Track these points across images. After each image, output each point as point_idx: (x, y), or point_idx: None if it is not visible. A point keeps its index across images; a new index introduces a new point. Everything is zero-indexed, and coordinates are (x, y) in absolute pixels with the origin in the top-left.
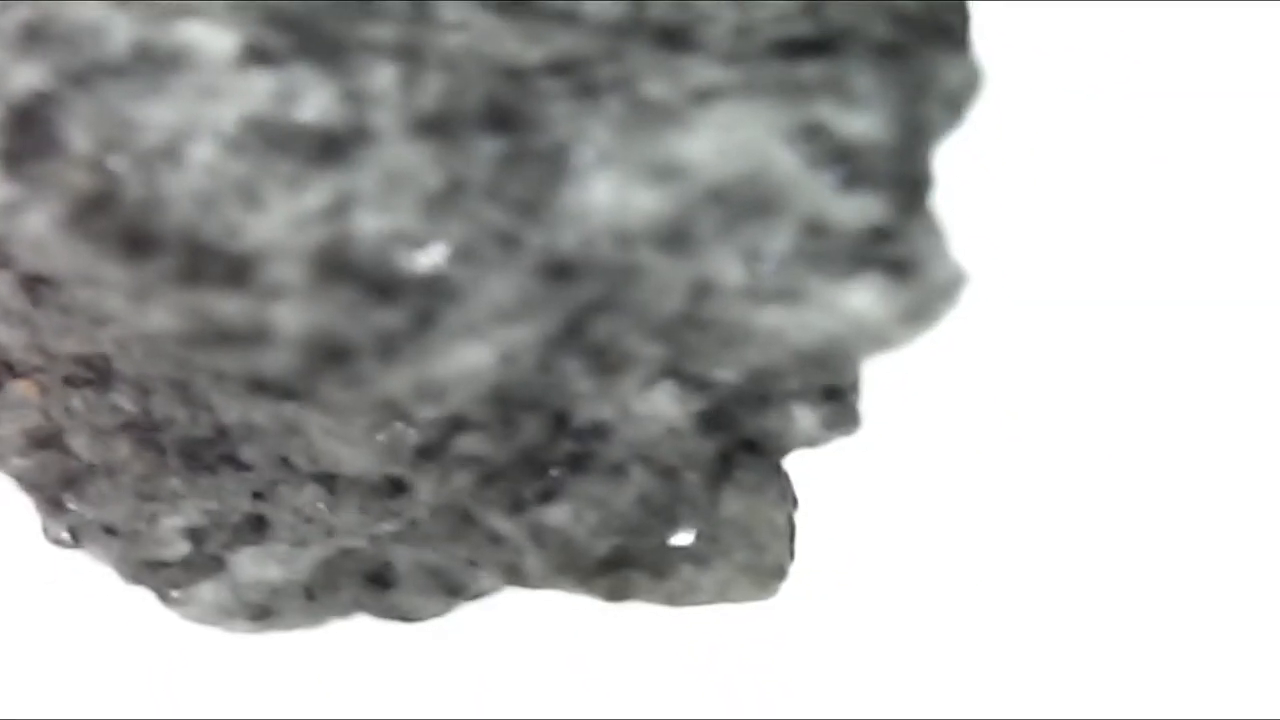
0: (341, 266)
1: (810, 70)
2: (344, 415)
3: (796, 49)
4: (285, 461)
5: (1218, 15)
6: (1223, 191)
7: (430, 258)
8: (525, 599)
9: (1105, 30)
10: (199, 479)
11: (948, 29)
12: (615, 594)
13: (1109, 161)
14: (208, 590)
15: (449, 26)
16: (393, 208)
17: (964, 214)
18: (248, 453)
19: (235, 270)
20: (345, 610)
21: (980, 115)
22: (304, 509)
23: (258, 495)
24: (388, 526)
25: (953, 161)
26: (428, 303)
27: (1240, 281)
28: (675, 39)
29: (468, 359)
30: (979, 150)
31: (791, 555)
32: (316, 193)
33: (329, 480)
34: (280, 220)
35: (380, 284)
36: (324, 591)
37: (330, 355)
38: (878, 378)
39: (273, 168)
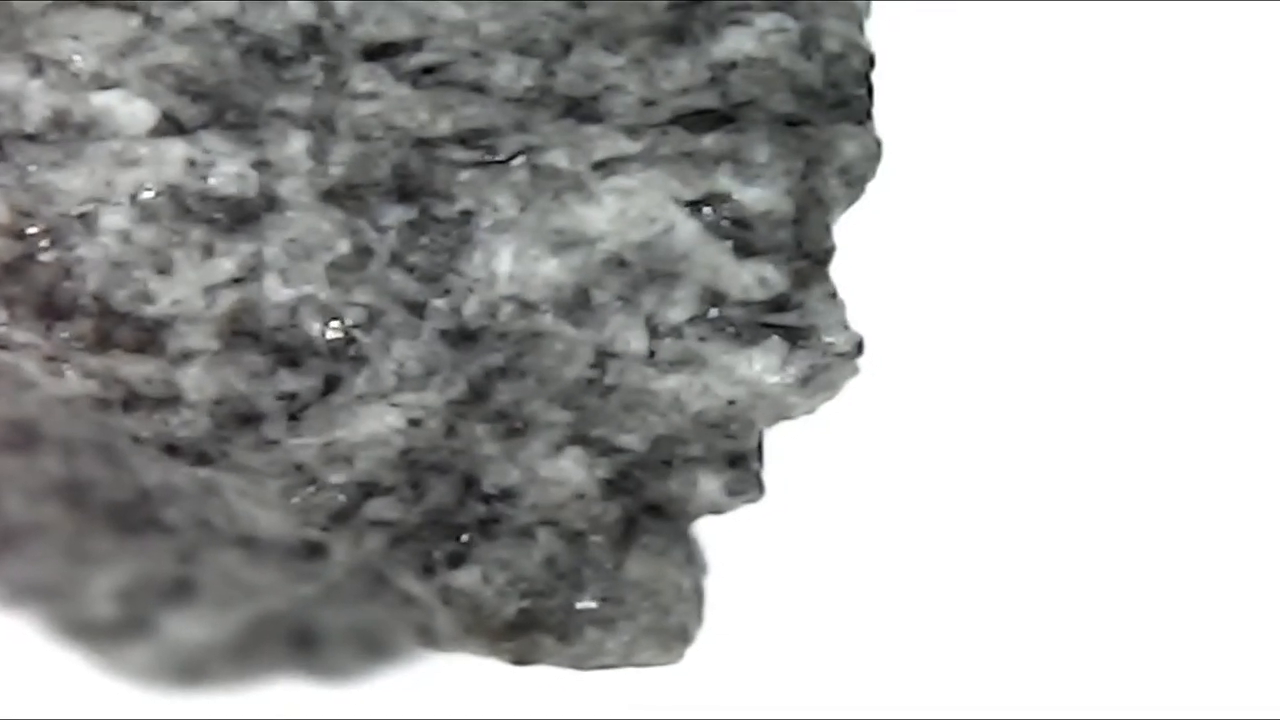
0: (251, 333)
1: (712, 141)
2: (256, 478)
3: (700, 120)
4: (206, 524)
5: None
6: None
7: (338, 325)
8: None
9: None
10: (126, 540)
11: (848, 101)
12: (522, 657)
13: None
14: (137, 652)
15: (361, 96)
16: (301, 275)
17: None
18: (170, 515)
19: (146, 336)
20: (272, 671)
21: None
22: (227, 571)
23: (183, 557)
24: (308, 588)
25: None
26: (335, 368)
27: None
28: (581, 110)
29: (375, 424)
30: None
31: (699, 619)
32: (227, 260)
33: (249, 542)
34: (191, 287)
35: (289, 350)
36: (251, 652)
37: (239, 420)
38: (788, 445)
39: (185, 235)
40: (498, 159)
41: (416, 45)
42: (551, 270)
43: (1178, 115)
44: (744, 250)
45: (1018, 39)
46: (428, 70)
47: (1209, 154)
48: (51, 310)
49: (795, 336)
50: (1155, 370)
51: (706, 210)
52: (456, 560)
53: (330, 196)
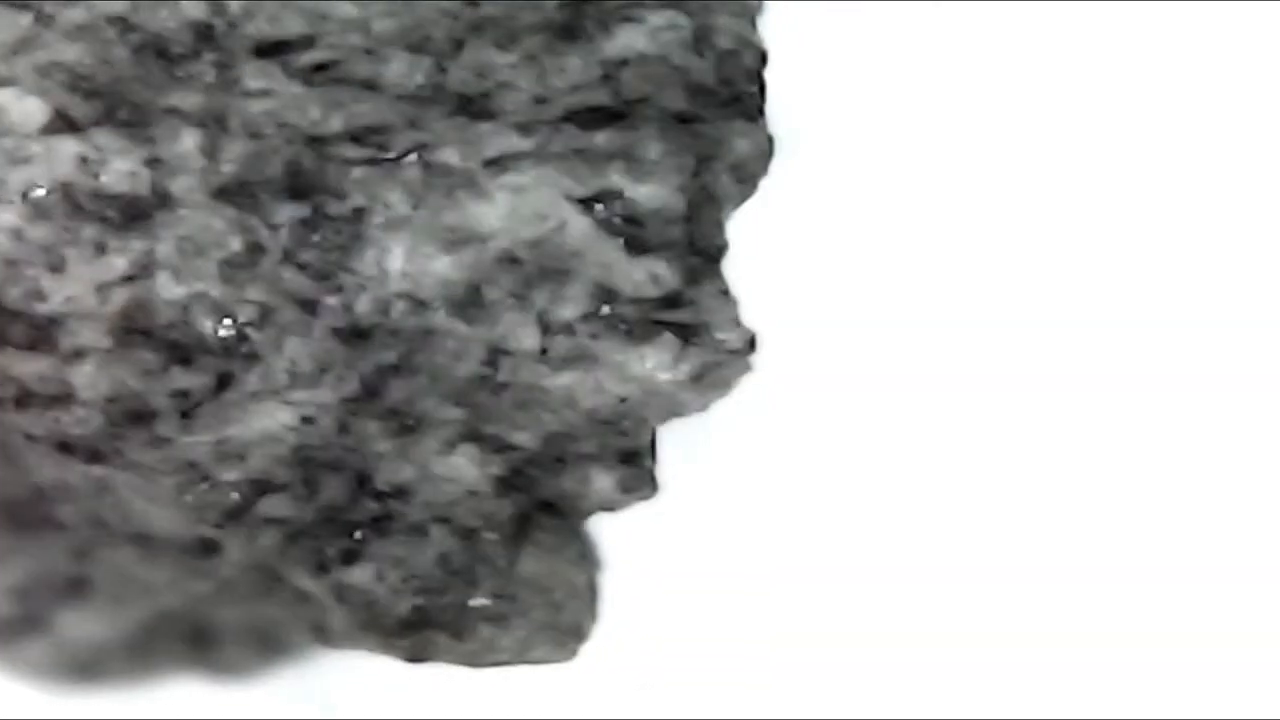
0: (143, 330)
1: (604, 139)
2: (150, 476)
3: (592, 117)
4: (101, 521)
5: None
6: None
7: (230, 322)
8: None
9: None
10: (21, 538)
11: (741, 98)
12: (416, 654)
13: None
14: (32, 650)
15: (253, 94)
16: (194, 273)
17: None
18: (65, 512)
19: (39, 334)
20: (168, 668)
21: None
22: (123, 569)
23: (78, 555)
24: (203, 586)
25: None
26: (228, 366)
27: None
28: (473, 107)
29: (268, 421)
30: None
31: (594, 616)
32: (119, 258)
33: (144, 540)
34: (83, 285)
35: (181, 348)
36: (147, 650)
37: (132, 417)
38: (682, 441)
39: (77, 233)
40: (390, 156)
41: (308, 43)
42: (444, 268)
43: (1067, 99)
44: (636, 247)
45: (910, 32)
46: (320, 68)
47: (1113, 135)
48: None
49: (687, 334)
50: (1051, 352)
51: (598, 207)
52: (350, 557)
53: (222, 194)
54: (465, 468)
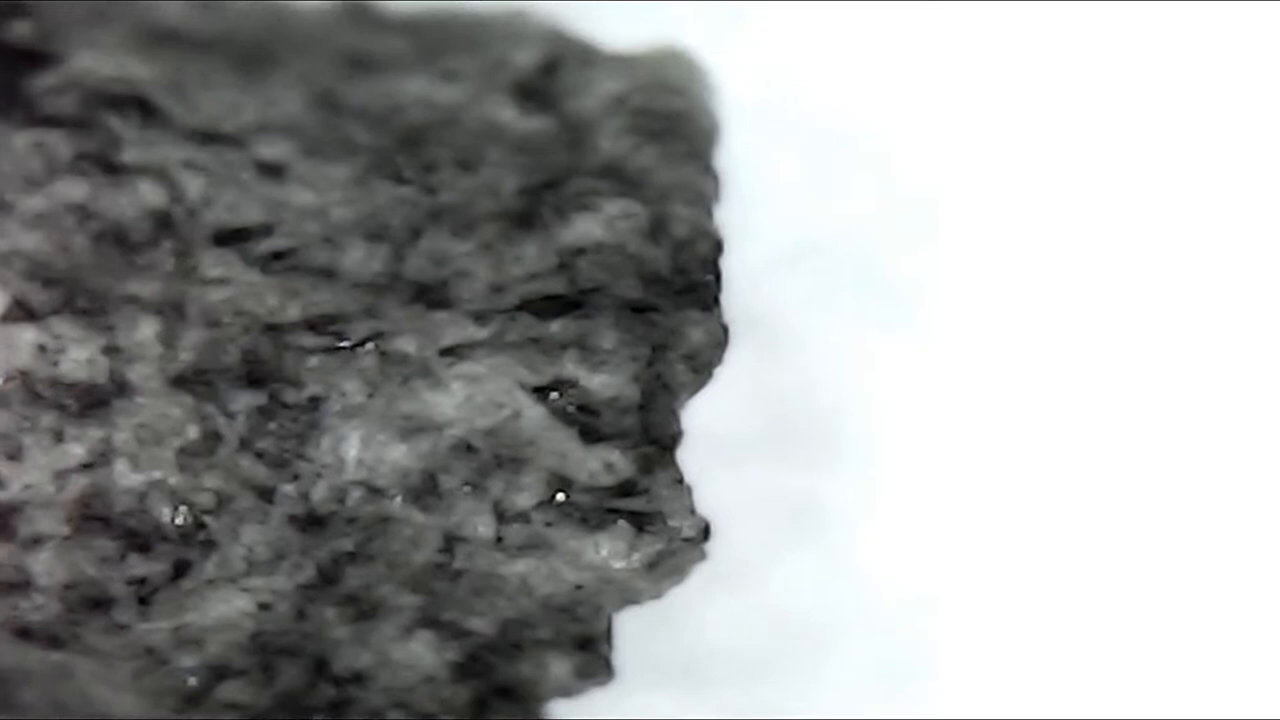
0: (101, 517)
1: (559, 327)
2: (108, 662)
3: (547, 306)
4: (62, 706)
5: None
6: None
7: (187, 510)
8: None
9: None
10: None
11: (696, 288)
12: None
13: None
14: None
15: (211, 282)
16: (151, 461)
17: None
18: (26, 697)
19: None
20: None
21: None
22: None
23: None
24: None
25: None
26: (185, 553)
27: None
28: (430, 295)
29: (225, 608)
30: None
31: None
32: (77, 445)
33: None
34: (41, 472)
35: (138, 535)
36: None
37: (90, 604)
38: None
39: (35, 421)
40: (346, 345)
41: (267, 231)
42: (399, 456)
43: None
44: (591, 436)
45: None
46: (278, 255)
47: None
48: None
49: (642, 522)
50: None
51: (553, 396)
52: None
53: (180, 382)
54: (423, 654)
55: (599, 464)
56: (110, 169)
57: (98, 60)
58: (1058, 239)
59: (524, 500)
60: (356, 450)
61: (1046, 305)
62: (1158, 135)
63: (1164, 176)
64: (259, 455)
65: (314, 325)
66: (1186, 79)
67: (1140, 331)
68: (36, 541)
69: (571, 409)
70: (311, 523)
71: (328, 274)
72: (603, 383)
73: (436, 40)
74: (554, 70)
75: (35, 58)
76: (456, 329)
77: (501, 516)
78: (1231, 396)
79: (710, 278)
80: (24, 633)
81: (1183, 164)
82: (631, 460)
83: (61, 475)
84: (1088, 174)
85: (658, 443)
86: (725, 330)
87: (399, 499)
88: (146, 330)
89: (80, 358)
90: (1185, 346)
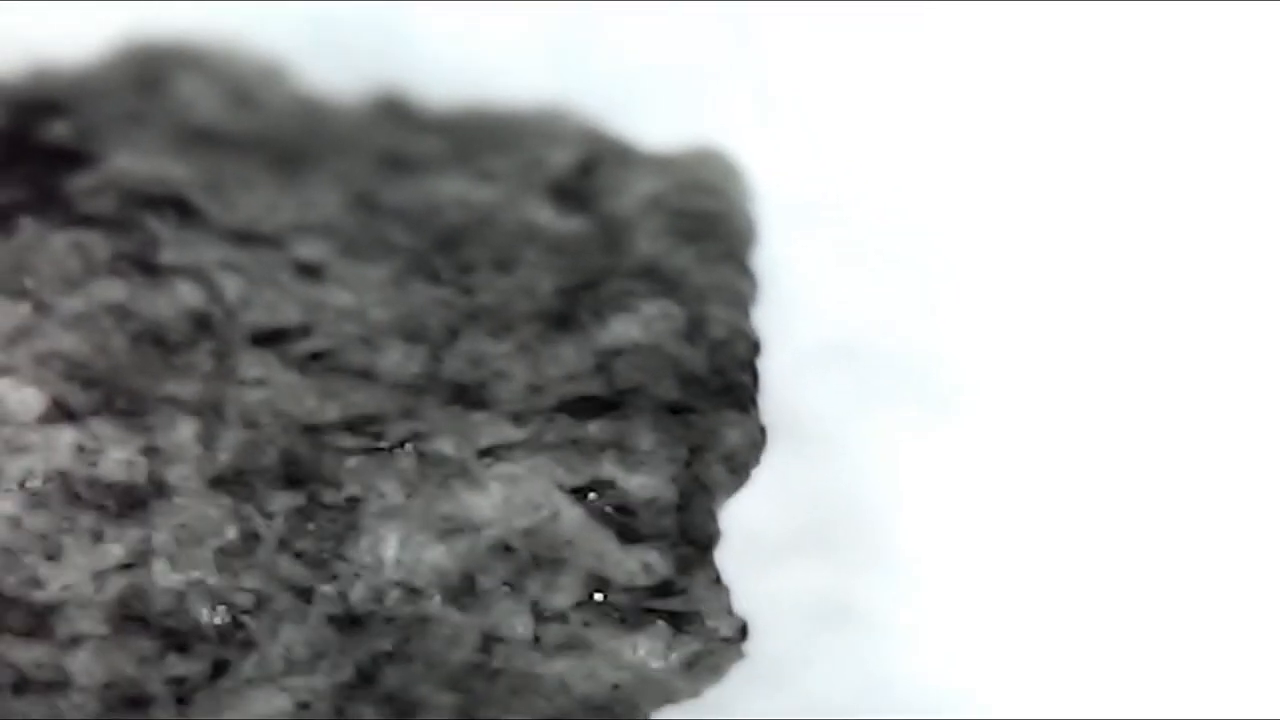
0: (139, 617)
1: (597, 428)
2: None
3: (585, 406)
4: None
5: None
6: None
7: (226, 610)
8: None
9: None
10: None
11: (733, 389)
12: None
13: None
14: None
15: (249, 382)
16: (189, 561)
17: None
18: None
19: (36, 620)
20: None
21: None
22: None
23: None
24: None
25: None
26: (224, 653)
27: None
28: (468, 396)
29: (264, 707)
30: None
31: None
32: (116, 546)
33: None
34: (80, 572)
35: (177, 635)
36: None
37: (129, 703)
38: None
39: (74, 521)
40: (384, 446)
41: (305, 331)
42: (438, 556)
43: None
44: (628, 536)
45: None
46: (316, 356)
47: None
48: None
49: (680, 622)
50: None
51: (591, 496)
52: None
53: (218, 483)
54: None
55: (637, 564)
56: (148, 269)
57: (135, 160)
58: (1096, 339)
59: (562, 600)
60: (395, 550)
61: (1085, 406)
62: (1212, 242)
63: (1217, 284)
64: (297, 555)
65: (352, 426)
66: (1237, 164)
67: (1181, 435)
68: (75, 641)
69: (609, 509)
70: (350, 622)
71: (366, 375)
72: (640, 483)
73: (473, 140)
74: (591, 170)
75: (73, 158)
76: (494, 430)
77: (539, 616)
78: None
79: (747, 378)
80: None
81: (1238, 265)
82: (669, 560)
83: (100, 575)
84: (1129, 276)
85: (695, 543)
86: (763, 431)
87: (437, 599)
88: (185, 431)
89: (119, 458)
90: (1229, 447)
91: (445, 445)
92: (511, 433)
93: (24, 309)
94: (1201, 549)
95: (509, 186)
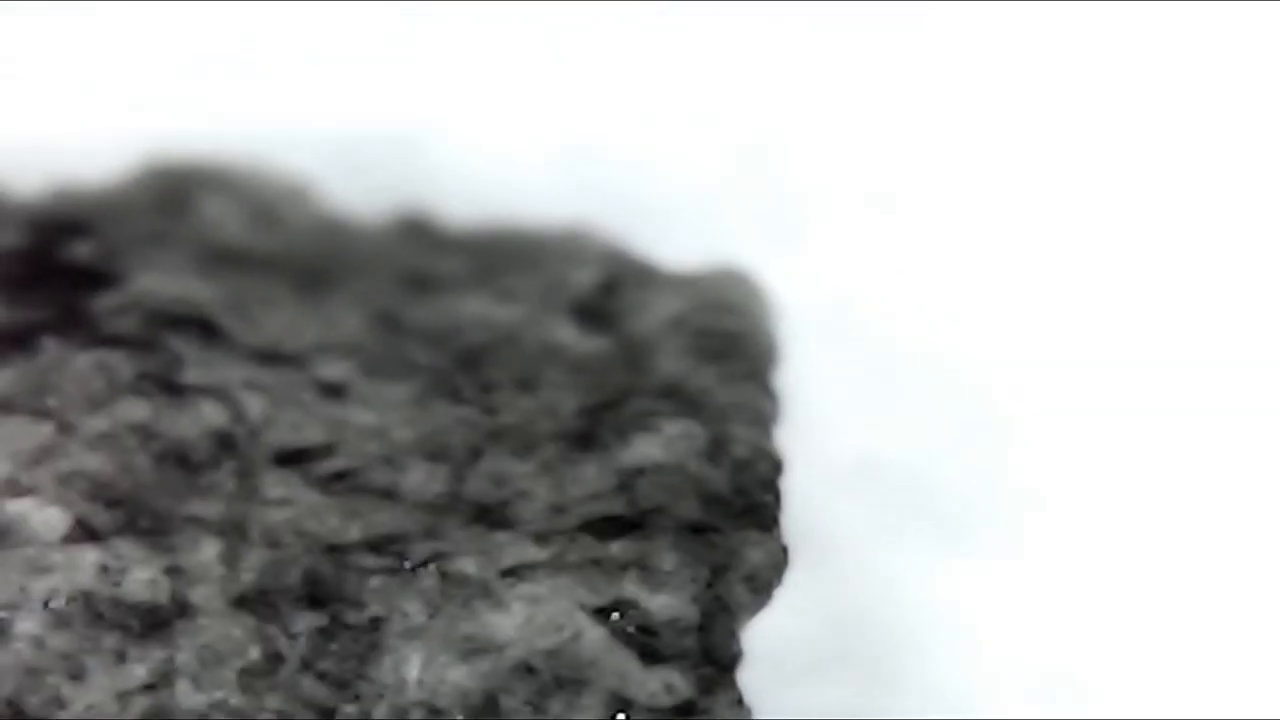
0: None
1: (619, 548)
2: None
3: (607, 527)
4: None
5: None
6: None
7: None
8: None
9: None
10: None
11: (756, 509)
12: None
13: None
14: None
15: (273, 502)
16: (213, 681)
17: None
18: None
19: None
20: None
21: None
22: None
23: None
24: None
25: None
26: None
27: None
28: (491, 516)
29: None
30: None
31: None
32: (139, 666)
33: None
34: (104, 693)
35: None
36: None
37: None
38: None
39: (97, 641)
40: (407, 566)
41: (328, 451)
42: (460, 677)
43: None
44: (650, 657)
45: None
46: (339, 476)
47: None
48: None
49: None
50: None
51: (614, 617)
52: None
53: (242, 603)
54: None
55: (659, 685)
56: (172, 389)
57: (159, 280)
58: (1119, 459)
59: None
60: (418, 671)
61: (1114, 528)
62: (1231, 344)
63: (1234, 391)
64: (321, 676)
65: (375, 546)
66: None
67: (1208, 551)
68: None
69: (631, 630)
70: None
71: (388, 494)
72: (663, 604)
73: (495, 260)
74: (612, 290)
75: (96, 278)
76: (517, 550)
77: None
78: None
79: (770, 498)
80: None
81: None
82: (691, 681)
83: (124, 696)
84: (1152, 395)
85: (717, 663)
86: (785, 551)
87: (460, 719)
88: (208, 551)
89: (142, 578)
90: (1259, 558)
91: (468, 565)
92: (534, 553)
93: (47, 429)
94: (1229, 658)
95: (531, 306)
